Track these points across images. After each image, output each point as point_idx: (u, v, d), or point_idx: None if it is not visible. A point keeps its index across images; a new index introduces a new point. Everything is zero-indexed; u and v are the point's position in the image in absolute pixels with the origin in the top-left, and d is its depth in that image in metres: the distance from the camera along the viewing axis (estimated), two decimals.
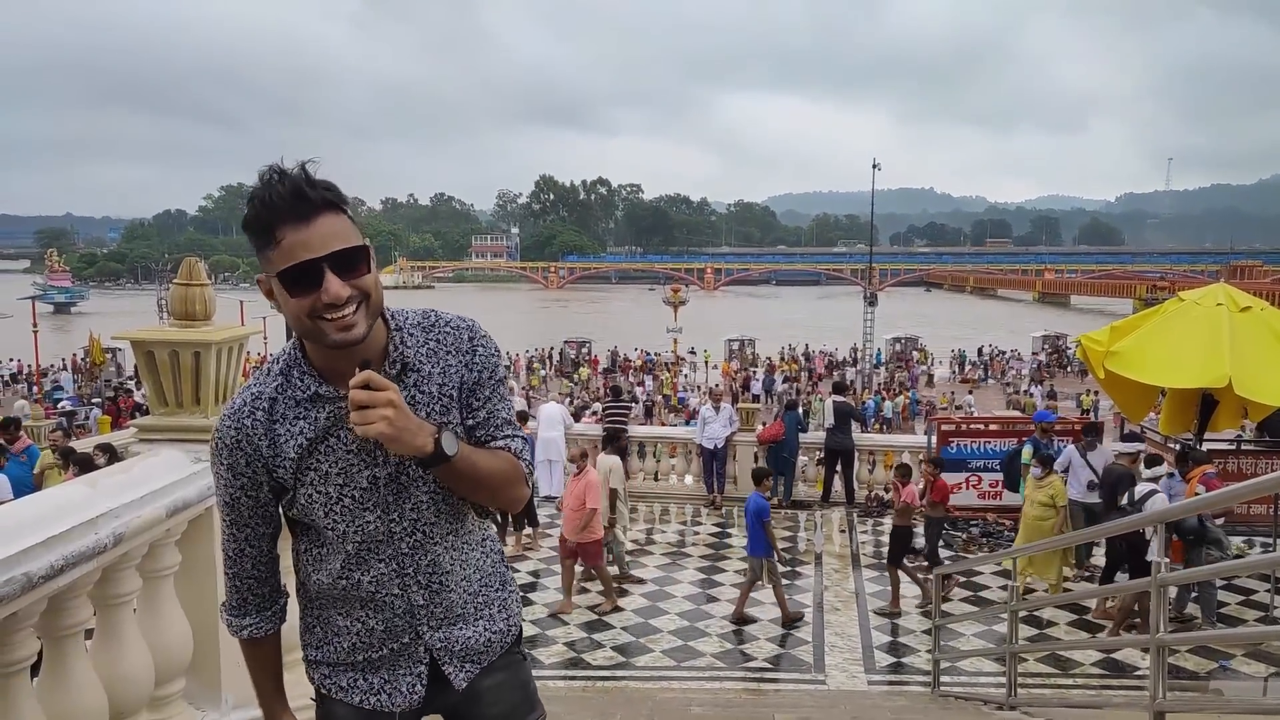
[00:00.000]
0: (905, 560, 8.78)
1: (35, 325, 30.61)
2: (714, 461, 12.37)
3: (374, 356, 1.61)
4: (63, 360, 38.84)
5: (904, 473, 9.07)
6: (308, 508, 1.66)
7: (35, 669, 2.15)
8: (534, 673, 7.66)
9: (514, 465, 1.74)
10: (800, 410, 14.89)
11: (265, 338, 35.75)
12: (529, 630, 7.97)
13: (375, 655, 1.76)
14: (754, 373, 37.00)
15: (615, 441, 11.84)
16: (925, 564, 9.05)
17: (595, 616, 8.31)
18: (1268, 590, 8.35)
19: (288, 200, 1.47)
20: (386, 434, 1.45)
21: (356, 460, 1.63)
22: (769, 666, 7.32)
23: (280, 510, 1.74)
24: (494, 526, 1.94)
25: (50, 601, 1.98)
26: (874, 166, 45.40)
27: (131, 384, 28.23)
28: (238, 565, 1.75)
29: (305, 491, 1.65)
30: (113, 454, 7.36)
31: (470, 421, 1.72)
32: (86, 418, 22.33)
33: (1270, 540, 8.73)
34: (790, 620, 8.13)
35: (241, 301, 38.09)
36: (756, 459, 12.12)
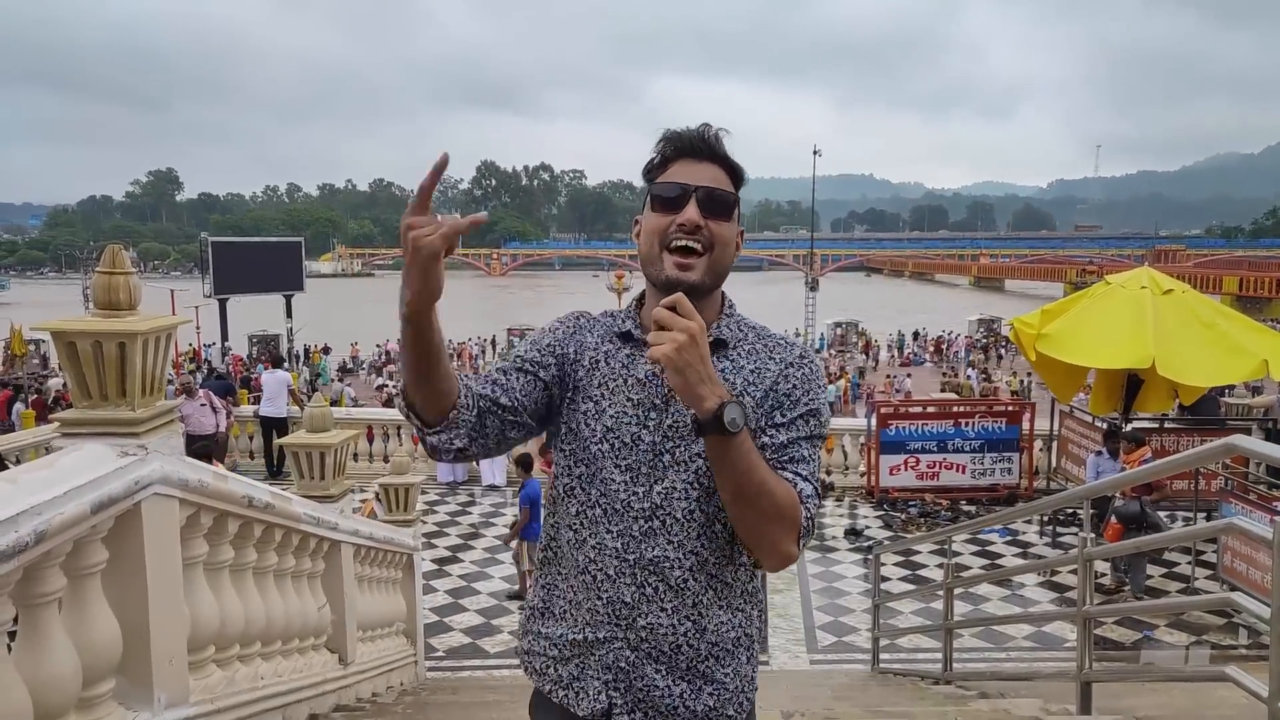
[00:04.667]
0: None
1: None
2: None
3: None
4: None
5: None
6: (576, 429, 1.64)
7: None
8: (478, 663, 7.58)
9: (794, 505, 1.46)
10: None
11: (198, 327, 34.95)
12: (473, 621, 7.94)
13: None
14: None
15: None
16: None
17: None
18: (1189, 563, 8.70)
19: (693, 139, 1.62)
20: (672, 359, 1.35)
21: (632, 410, 1.59)
22: None
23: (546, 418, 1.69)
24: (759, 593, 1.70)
25: None
26: (814, 153, 45.96)
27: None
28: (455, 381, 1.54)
29: (576, 416, 1.64)
30: None
31: (764, 439, 1.53)
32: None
33: (1191, 515, 9.09)
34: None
35: (173, 291, 37.00)
36: None
